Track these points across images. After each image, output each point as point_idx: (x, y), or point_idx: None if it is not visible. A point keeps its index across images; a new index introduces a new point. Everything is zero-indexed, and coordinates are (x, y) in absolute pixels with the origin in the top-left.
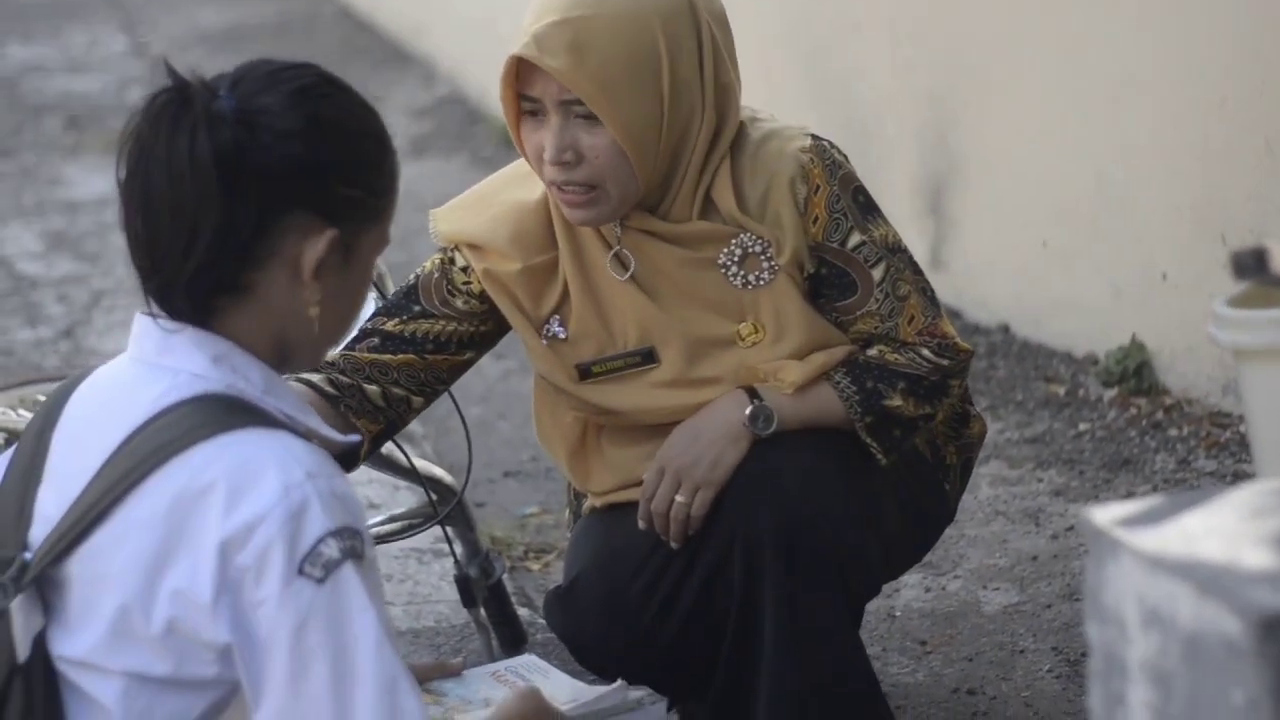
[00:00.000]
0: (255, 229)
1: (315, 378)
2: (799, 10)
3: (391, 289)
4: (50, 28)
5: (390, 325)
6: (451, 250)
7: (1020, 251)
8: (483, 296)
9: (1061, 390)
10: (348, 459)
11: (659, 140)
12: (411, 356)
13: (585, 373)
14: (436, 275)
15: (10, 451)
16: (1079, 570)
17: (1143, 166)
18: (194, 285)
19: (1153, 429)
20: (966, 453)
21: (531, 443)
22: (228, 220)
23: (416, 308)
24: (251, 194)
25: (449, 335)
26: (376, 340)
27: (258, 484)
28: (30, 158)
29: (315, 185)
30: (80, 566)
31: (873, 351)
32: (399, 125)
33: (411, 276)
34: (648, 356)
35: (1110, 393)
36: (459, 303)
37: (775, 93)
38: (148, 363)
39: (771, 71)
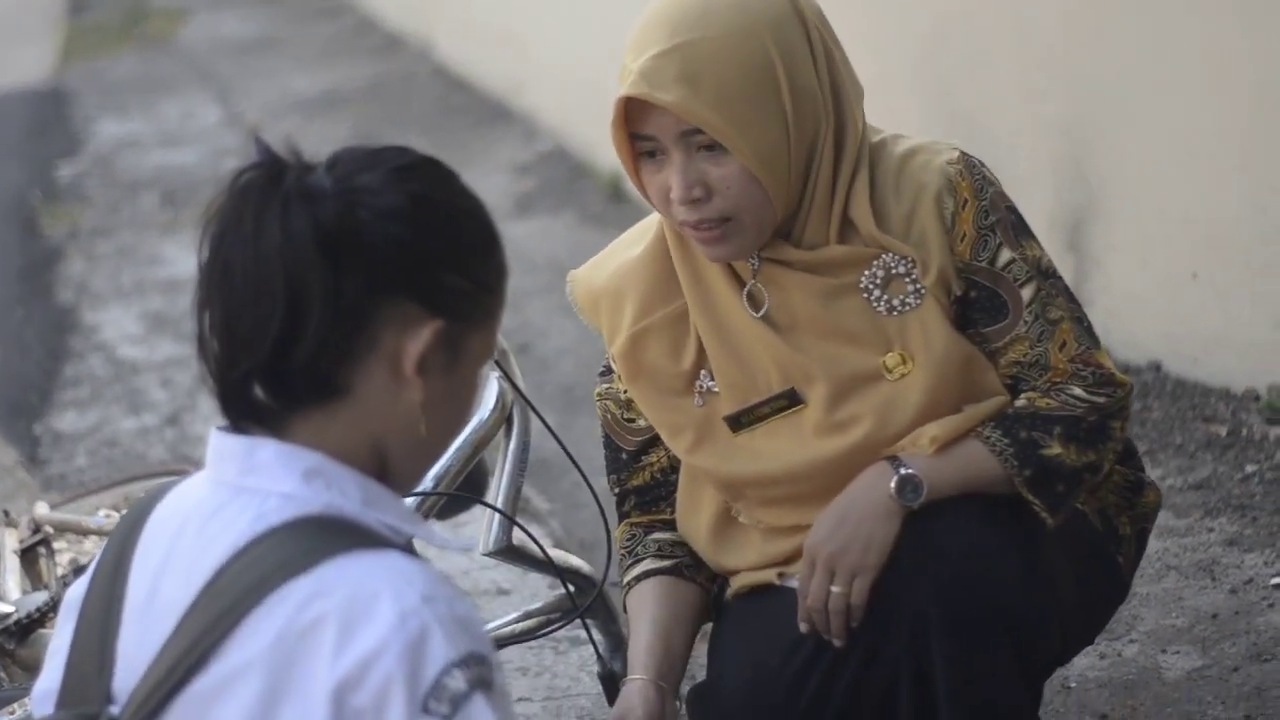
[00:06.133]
0: (354, 317)
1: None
2: (923, 43)
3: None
4: (143, 102)
5: (634, 482)
6: (602, 369)
7: (1168, 285)
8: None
9: (1223, 430)
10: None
11: (789, 158)
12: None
13: (734, 424)
14: (610, 414)
15: (82, 588)
16: (1264, 627)
17: None
18: (279, 383)
19: None
20: (1140, 523)
21: None
22: (326, 306)
23: (624, 455)
24: (353, 277)
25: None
26: (635, 500)
27: (370, 615)
28: (128, 236)
29: (419, 270)
30: None
31: (1021, 402)
32: (502, 183)
33: (601, 434)
34: (792, 398)
35: (1276, 430)
36: (641, 423)
37: (901, 129)
38: (231, 485)
39: (896, 107)
